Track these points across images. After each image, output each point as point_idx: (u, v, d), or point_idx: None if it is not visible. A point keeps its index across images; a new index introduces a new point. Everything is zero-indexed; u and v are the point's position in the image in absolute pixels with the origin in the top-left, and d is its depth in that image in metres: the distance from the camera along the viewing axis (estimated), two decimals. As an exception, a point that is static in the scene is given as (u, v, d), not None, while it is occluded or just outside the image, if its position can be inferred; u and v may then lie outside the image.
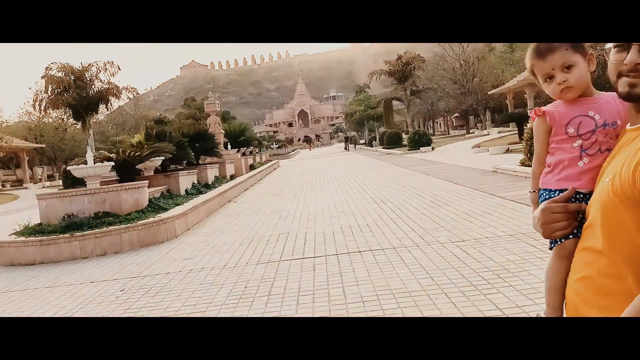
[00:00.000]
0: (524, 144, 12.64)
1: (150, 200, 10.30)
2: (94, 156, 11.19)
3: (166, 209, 10.20)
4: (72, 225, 8.73)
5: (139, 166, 13.21)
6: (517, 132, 36.70)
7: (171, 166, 15.82)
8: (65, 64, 34.66)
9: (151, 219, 9.08)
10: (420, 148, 30.15)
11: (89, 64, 35.70)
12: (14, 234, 9.10)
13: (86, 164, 10.52)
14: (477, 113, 57.17)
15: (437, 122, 78.51)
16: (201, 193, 13.69)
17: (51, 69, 33.71)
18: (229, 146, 25.25)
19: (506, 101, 47.81)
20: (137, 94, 45.57)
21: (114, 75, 36.29)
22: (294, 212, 10.71)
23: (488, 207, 8.15)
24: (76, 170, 10.47)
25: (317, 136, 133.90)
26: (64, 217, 9.12)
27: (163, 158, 13.20)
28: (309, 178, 20.90)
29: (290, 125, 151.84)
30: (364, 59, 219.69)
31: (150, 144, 12.90)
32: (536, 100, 41.37)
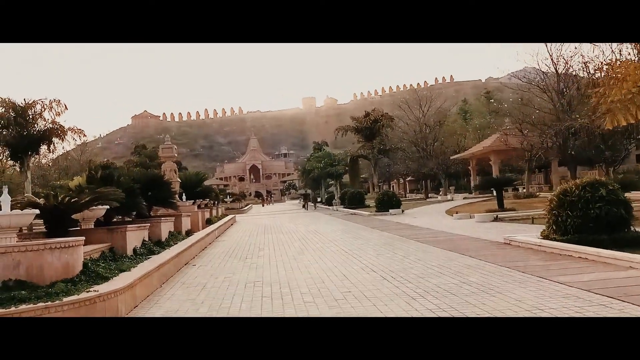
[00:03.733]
0: (547, 213, 10.81)
1: (85, 265, 7.52)
2: (14, 200, 8.35)
3: (107, 278, 7.44)
4: (-40, 300, 5.86)
5: (75, 216, 10.37)
6: (485, 198, 35.96)
7: (117, 217, 12.98)
8: (7, 99, 31.37)
9: (84, 295, 6.32)
10: (390, 210, 28.32)
11: (34, 101, 32.52)
12: None
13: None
14: (436, 177, 56.93)
15: (391, 184, 78.14)
16: (153, 253, 10.90)
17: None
18: (184, 197, 22.44)
19: (468, 167, 47.67)
20: (84, 135, 42.38)
21: (59, 114, 33.16)
22: (278, 287, 8.17)
23: (562, 300, 5.99)
24: (-16, 218, 7.58)
25: (269, 192, 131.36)
26: (-49, 286, 6.22)
27: (108, 207, 10.44)
28: (276, 237, 18.34)
29: (241, 179, 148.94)
30: (316, 119, 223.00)
31: (92, 189, 10.15)
32: (505, 167, 41.23)
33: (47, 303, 5.95)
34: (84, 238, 7.81)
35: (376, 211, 29.57)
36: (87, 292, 6.48)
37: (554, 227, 10.47)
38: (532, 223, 16.64)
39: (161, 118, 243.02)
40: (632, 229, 10.03)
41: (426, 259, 10.09)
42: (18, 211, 7.63)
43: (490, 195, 37.76)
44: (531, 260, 9.03)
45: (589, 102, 26.30)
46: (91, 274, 7.42)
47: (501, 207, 22.38)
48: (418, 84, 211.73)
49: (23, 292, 6.22)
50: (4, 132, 30.17)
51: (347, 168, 51.00)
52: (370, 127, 37.47)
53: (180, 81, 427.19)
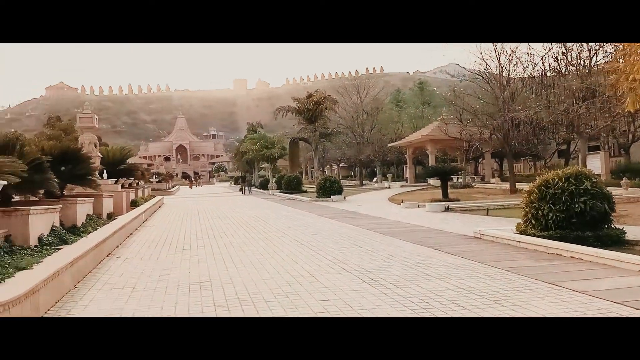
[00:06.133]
0: (525, 206, 9.83)
1: (-36, 262, 5.42)
2: None
3: (-3, 281, 5.40)
4: None
5: (-41, 193, 7.97)
6: (422, 187, 35.71)
7: (18, 197, 10.56)
8: None
9: (-44, 311, 4.32)
10: (332, 196, 27.08)
11: None
12: None
13: None
14: (370, 164, 56.49)
15: (324, 170, 77.21)
16: (66, 243, 8.76)
17: None
18: (105, 174, 19.81)
19: (404, 155, 47.51)
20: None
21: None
22: (233, 291, 6.48)
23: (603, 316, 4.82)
24: None
25: (196, 173, 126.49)
26: None
27: (5, 183, 8.15)
28: (213, 223, 16.44)
29: (167, 159, 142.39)
30: (247, 101, 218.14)
31: (-16, 159, 7.81)
32: (442, 156, 41.28)
33: None
34: (-36, 225, 5.68)
35: (317, 197, 28.22)
36: (-38, 305, 4.47)
37: (533, 222, 9.52)
38: (487, 215, 15.97)
39: (79, 91, 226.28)
40: (613, 225, 9.32)
41: (399, 255, 8.77)
42: None
43: (426, 184, 37.74)
44: (521, 260, 7.94)
45: (531, 94, 26.44)
46: (-27, 275, 5.36)
47: (445, 196, 21.75)
48: (350, 72, 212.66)
49: None
50: None
51: (283, 151, 49.16)
52: (313, 109, 35.86)
53: (103, 52, 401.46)
